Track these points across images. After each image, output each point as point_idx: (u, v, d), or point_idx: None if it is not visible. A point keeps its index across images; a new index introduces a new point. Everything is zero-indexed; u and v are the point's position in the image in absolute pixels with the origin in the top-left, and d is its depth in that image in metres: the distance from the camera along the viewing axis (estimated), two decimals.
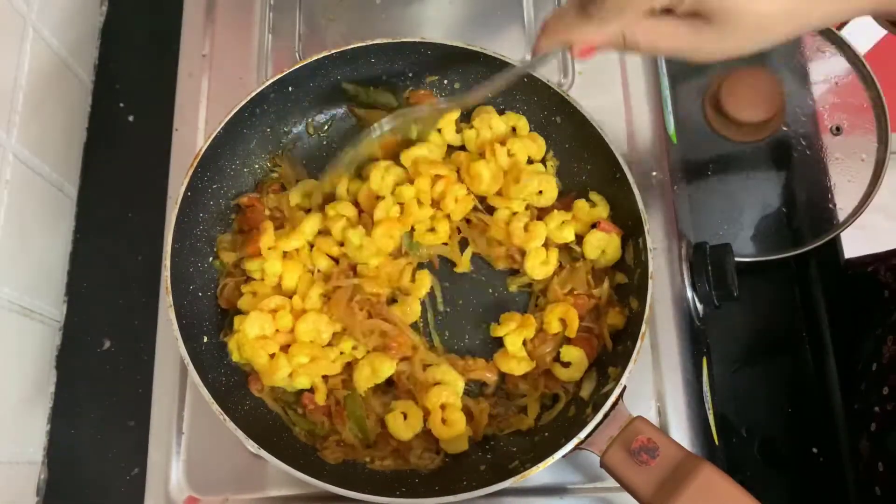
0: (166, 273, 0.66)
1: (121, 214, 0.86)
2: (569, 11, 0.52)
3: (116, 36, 0.94)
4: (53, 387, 0.80)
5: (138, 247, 0.83)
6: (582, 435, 0.62)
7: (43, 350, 0.80)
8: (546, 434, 0.69)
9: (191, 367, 0.63)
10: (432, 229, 0.75)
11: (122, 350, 0.81)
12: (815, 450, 0.82)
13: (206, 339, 0.70)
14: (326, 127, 0.81)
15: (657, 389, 0.73)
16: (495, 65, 0.73)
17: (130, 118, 0.90)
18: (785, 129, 0.88)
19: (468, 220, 0.76)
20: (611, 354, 0.70)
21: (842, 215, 0.85)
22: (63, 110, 0.86)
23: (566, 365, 0.71)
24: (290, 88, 0.75)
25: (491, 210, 0.76)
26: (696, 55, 0.51)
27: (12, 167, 0.75)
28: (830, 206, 0.85)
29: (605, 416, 0.62)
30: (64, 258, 0.84)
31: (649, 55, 0.55)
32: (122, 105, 0.90)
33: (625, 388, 0.64)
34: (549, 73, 0.80)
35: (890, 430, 0.72)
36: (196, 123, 0.82)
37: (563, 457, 0.62)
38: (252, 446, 0.61)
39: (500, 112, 0.79)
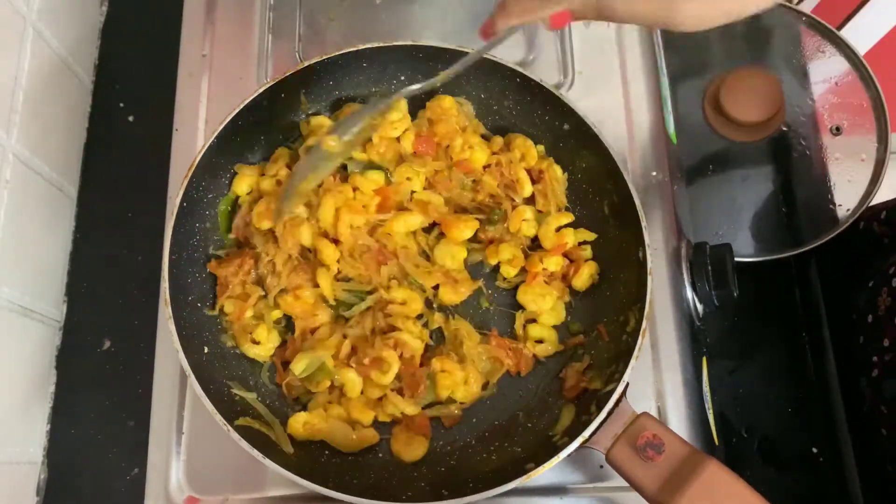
0: (165, 285, 0.65)
1: (121, 214, 0.86)
2: None
3: (116, 36, 0.94)
4: (53, 387, 0.80)
5: (138, 247, 0.83)
6: (587, 433, 0.62)
7: (43, 350, 0.80)
8: (550, 434, 0.68)
9: (192, 379, 0.63)
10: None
11: (122, 350, 0.81)
12: (815, 450, 0.83)
13: (206, 350, 0.69)
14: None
15: (657, 389, 0.73)
16: (488, 66, 0.73)
17: (130, 118, 0.90)
18: (785, 129, 0.88)
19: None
20: (612, 353, 0.70)
21: (842, 215, 0.85)
22: (63, 110, 0.86)
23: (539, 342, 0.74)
24: (283, 95, 0.75)
25: None
26: (672, 21, 0.48)
27: (12, 167, 0.75)
28: (830, 206, 0.85)
29: (609, 413, 0.62)
30: (64, 258, 0.84)
31: (622, 23, 0.51)
32: (122, 105, 0.90)
33: (627, 385, 0.64)
34: (548, 74, 0.80)
35: (889, 375, 0.73)
36: (196, 123, 0.82)
37: (566, 456, 0.62)
38: (257, 455, 0.61)
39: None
